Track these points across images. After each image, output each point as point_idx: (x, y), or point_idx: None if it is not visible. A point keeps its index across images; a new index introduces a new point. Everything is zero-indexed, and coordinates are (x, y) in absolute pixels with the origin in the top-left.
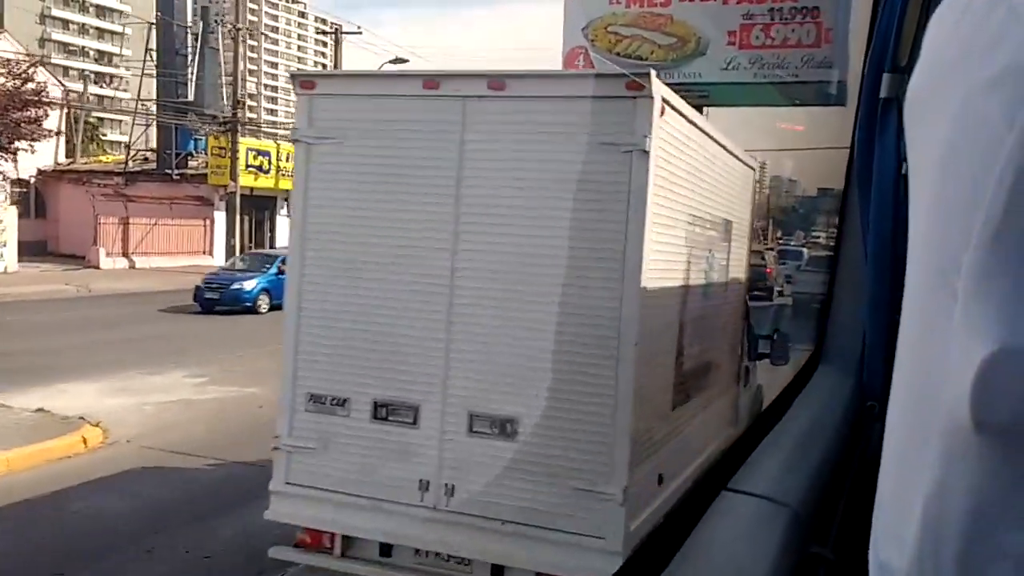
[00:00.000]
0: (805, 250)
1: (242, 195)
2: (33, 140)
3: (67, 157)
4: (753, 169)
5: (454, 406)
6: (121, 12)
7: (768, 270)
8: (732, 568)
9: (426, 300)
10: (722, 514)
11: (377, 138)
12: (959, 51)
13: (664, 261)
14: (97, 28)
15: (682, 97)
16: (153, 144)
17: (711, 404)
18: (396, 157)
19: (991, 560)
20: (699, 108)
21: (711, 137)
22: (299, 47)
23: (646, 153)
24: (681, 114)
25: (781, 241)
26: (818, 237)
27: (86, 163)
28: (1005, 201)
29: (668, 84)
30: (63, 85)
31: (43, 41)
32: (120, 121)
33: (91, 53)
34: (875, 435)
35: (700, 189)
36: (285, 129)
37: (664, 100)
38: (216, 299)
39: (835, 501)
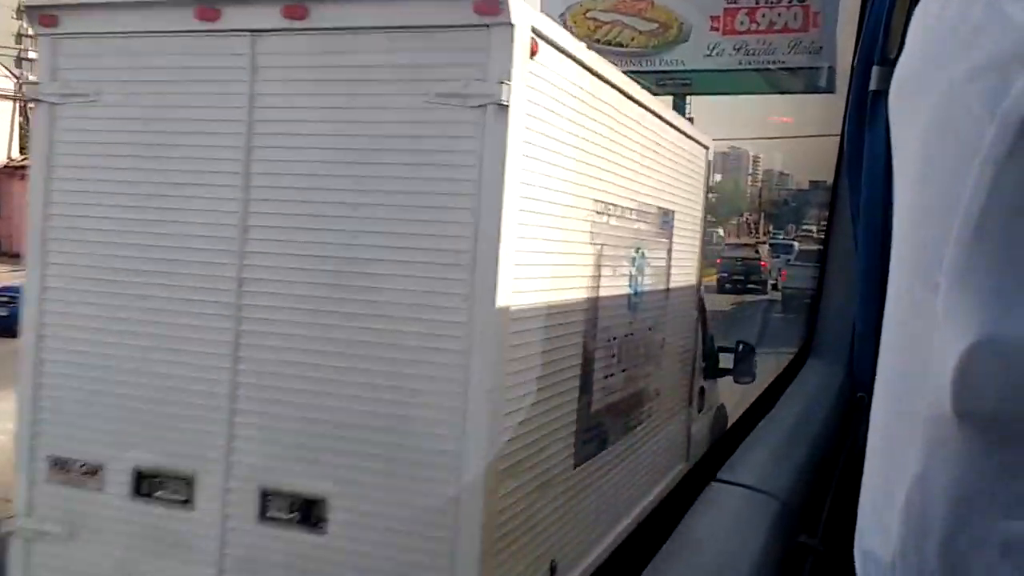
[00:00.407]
0: (795, 243)
1: None
2: None
3: (21, 152)
4: (706, 147)
5: (240, 479)
6: None
7: (763, 263)
8: (720, 558)
9: (204, 325)
10: (711, 504)
11: (141, 94)
12: (941, 42)
13: (548, 266)
14: None
15: (663, 85)
16: None
17: (647, 443)
18: (166, 120)
19: (974, 549)
20: (681, 96)
21: (633, 99)
22: None
23: (504, 108)
24: (569, 56)
25: (771, 235)
26: (809, 230)
27: None
28: (986, 193)
29: (649, 72)
30: (15, 77)
31: (20, 36)
32: None
33: None
34: (864, 426)
35: (617, 167)
36: None
37: (535, 32)
38: (6, 317)
39: (824, 491)
